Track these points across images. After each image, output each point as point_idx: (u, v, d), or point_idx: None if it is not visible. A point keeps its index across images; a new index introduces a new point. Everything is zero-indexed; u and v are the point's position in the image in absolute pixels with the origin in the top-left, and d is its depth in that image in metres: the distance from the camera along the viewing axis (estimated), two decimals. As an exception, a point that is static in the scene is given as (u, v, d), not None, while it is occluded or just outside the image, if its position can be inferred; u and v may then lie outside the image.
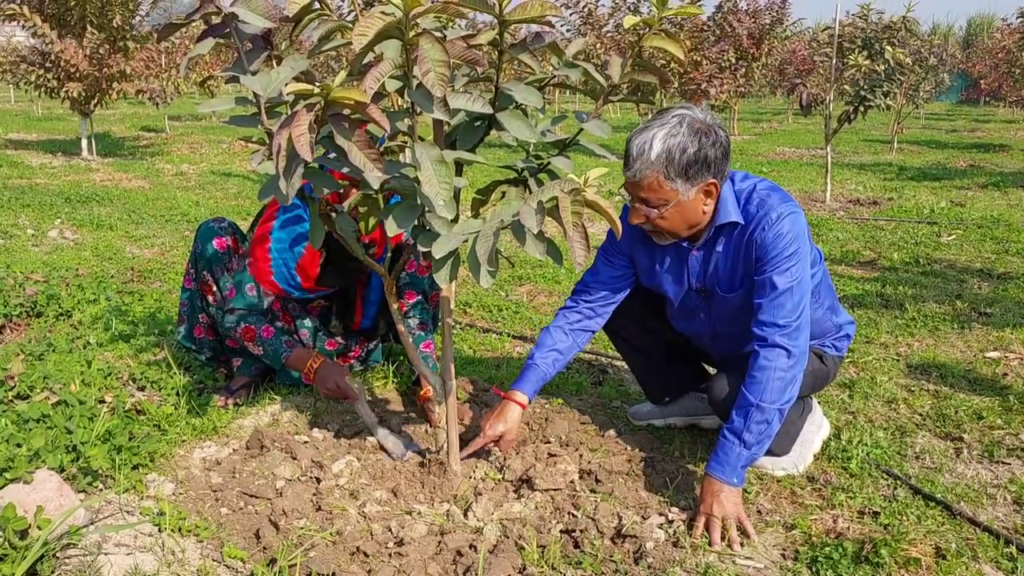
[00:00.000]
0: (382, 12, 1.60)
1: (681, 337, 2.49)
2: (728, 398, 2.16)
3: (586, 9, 10.72)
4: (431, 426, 2.40)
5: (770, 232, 2.04)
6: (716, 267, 2.17)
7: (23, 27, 8.81)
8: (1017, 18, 12.46)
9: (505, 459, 2.29)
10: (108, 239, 5.28)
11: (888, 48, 6.64)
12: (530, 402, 2.30)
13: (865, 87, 6.76)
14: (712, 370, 2.67)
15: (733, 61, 11.55)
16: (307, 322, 2.84)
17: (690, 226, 2.09)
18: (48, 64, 9.16)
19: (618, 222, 1.68)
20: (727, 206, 2.08)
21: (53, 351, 2.99)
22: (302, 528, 1.97)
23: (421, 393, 2.63)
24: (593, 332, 2.36)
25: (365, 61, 1.74)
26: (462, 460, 2.21)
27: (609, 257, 2.35)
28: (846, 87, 7.01)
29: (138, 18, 9.54)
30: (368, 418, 2.43)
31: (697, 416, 2.58)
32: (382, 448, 2.37)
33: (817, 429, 2.43)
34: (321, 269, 2.66)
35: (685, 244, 2.18)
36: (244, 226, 2.85)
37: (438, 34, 1.65)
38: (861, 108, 6.88)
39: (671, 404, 2.59)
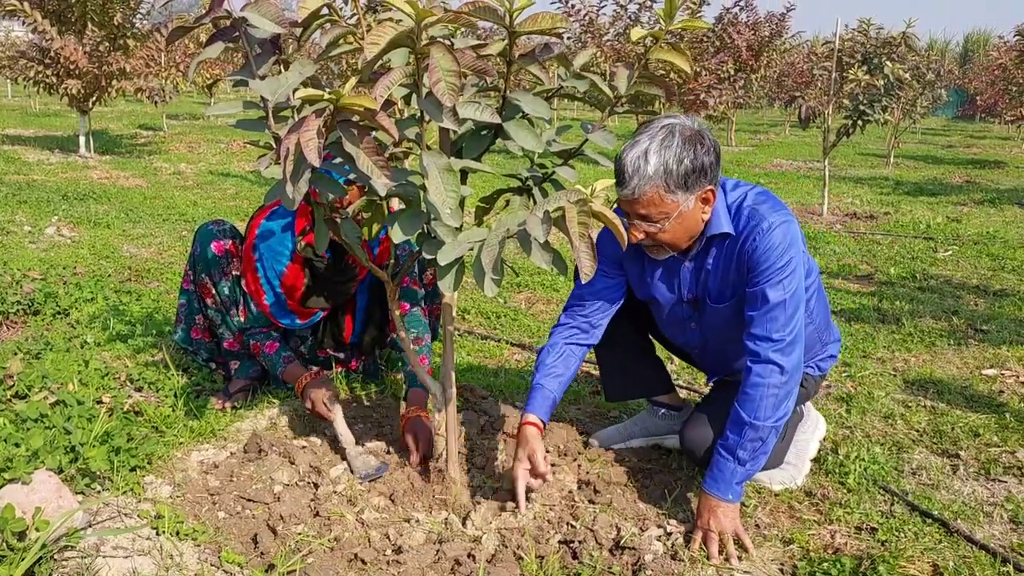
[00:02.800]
0: (392, 21, 1.61)
1: (667, 340, 2.48)
2: (702, 445, 2.15)
3: (587, 18, 10.76)
4: (412, 456, 2.32)
5: (761, 243, 1.99)
6: (707, 278, 2.14)
7: (23, 23, 8.78)
8: (1014, 36, 12.53)
9: (504, 468, 2.29)
10: (105, 237, 5.27)
11: (887, 63, 6.67)
12: (544, 424, 2.19)
13: (864, 101, 6.79)
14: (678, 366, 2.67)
15: (732, 72, 11.59)
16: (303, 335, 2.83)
17: (690, 236, 2.06)
18: (47, 60, 9.12)
19: (624, 233, 1.68)
20: (718, 216, 2.05)
21: (51, 350, 2.98)
22: (300, 534, 1.97)
23: (403, 414, 2.49)
24: (588, 347, 2.29)
25: (374, 69, 1.75)
26: (521, 509, 2.10)
27: (601, 266, 2.28)
28: (845, 101, 7.04)
29: (139, 16, 9.53)
30: (344, 436, 2.37)
31: (659, 436, 2.53)
32: (348, 467, 2.29)
33: (811, 431, 2.42)
34: (307, 290, 2.63)
35: (677, 256, 2.15)
36: (243, 227, 2.82)
37: (448, 43, 1.66)
38: (859, 122, 6.91)
39: (631, 424, 2.55)
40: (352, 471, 2.27)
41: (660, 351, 2.57)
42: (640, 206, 1.96)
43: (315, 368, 2.64)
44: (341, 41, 1.88)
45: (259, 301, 2.64)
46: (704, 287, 2.16)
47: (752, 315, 2.02)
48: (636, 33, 1.90)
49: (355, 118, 1.65)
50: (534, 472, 2.08)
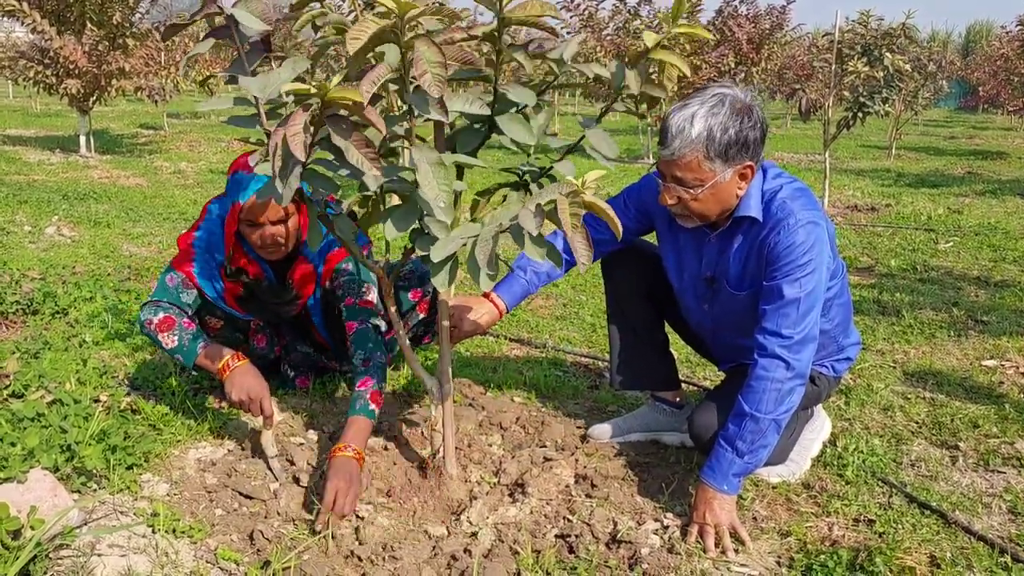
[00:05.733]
0: (376, 15, 1.60)
1: (681, 322, 2.47)
2: (708, 430, 2.15)
3: (586, 12, 10.74)
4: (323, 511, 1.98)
5: (784, 238, 1.99)
6: (729, 260, 2.13)
7: (22, 23, 8.78)
8: (1016, 26, 12.49)
9: (501, 463, 2.29)
10: (105, 237, 5.27)
11: (887, 55, 6.65)
12: (507, 311, 2.29)
13: (864, 93, 6.77)
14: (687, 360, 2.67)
15: (732, 66, 11.56)
16: (304, 347, 2.80)
17: (722, 209, 2.05)
18: (47, 60, 9.12)
19: (618, 223, 1.67)
20: (750, 199, 2.04)
21: (49, 349, 2.98)
22: (296, 530, 1.97)
23: (334, 448, 2.15)
24: (573, 264, 2.28)
25: (364, 64, 1.74)
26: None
27: (629, 202, 2.30)
28: (845, 93, 7.02)
29: (138, 15, 9.53)
30: (269, 449, 2.27)
31: (658, 432, 2.53)
32: (269, 469, 2.26)
33: (818, 432, 2.42)
34: (243, 301, 2.56)
35: (704, 228, 2.14)
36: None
37: (433, 34, 1.65)
38: (860, 114, 6.89)
39: (630, 419, 2.55)
40: (273, 475, 2.25)
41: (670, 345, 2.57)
42: (677, 168, 1.97)
43: (235, 352, 2.35)
44: (332, 35, 1.88)
45: (189, 273, 2.44)
46: (724, 268, 2.15)
47: (765, 309, 2.02)
48: (649, 37, 1.87)
49: (343, 112, 1.64)
50: (460, 330, 2.24)
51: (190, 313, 2.45)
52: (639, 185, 2.31)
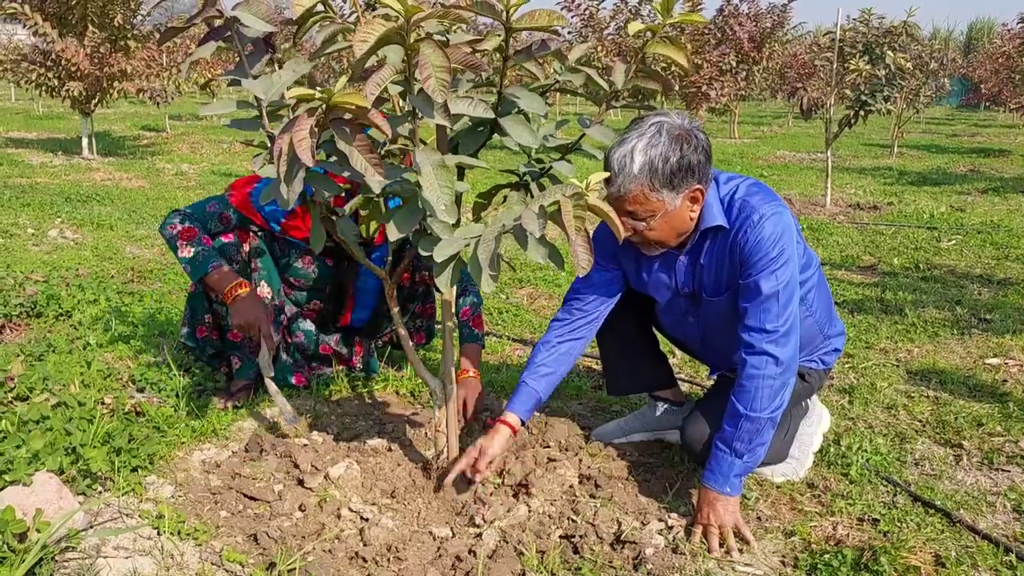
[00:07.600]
0: (383, 17, 1.61)
1: (670, 334, 2.48)
2: (700, 440, 2.15)
3: (587, 12, 10.74)
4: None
5: (752, 235, 1.99)
6: (702, 272, 2.14)
7: (24, 26, 8.80)
8: (1017, 23, 12.48)
9: (505, 463, 2.29)
10: (108, 239, 5.28)
11: (889, 53, 6.65)
12: (524, 424, 2.21)
13: (866, 91, 6.77)
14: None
15: (734, 64, 11.57)
16: (305, 324, 2.82)
17: (679, 235, 2.06)
18: (49, 63, 9.15)
19: (620, 226, 1.67)
20: (712, 210, 2.05)
21: (53, 352, 2.99)
22: (301, 531, 1.97)
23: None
24: (587, 340, 2.28)
25: (367, 65, 1.74)
26: (447, 484, 2.12)
27: (598, 261, 2.29)
28: (847, 91, 7.01)
29: (139, 17, 9.54)
30: (266, 370, 2.46)
31: (661, 431, 2.53)
32: (269, 396, 2.42)
33: (816, 425, 2.41)
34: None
35: (672, 250, 2.15)
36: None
37: (440, 39, 1.65)
38: (861, 112, 6.88)
39: (632, 419, 2.55)
40: (281, 411, 2.49)
41: (663, 344, 2.57)
42: (626, 203, 1.96)
43: (240, 280, 2.47)
44: (339, 38, 1.88)
45: (244, 205, 2.56)
46: (699, 281, 2.16)
47: (746, 307, 2.02)
48: (634, 27, 1.89)
49: (347, 116, 1.64)
50: (474, 467, 2.10)
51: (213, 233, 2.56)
52: (596, 236, 2.28)
